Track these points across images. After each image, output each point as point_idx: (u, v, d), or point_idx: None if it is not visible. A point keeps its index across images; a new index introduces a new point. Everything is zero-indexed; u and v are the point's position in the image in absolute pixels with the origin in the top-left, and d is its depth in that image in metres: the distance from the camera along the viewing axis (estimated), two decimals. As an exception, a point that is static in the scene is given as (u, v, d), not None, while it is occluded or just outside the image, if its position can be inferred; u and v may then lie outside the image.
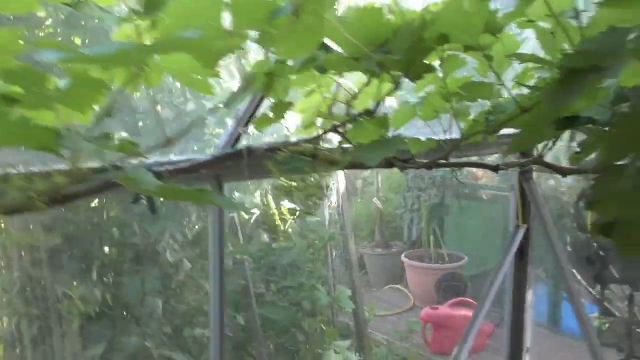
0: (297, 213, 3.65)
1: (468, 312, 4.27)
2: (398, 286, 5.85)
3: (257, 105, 1.19)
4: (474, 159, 1.73)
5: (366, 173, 6.22)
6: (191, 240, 2.67)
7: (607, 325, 1.93)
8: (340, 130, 1.17)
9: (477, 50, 1.11)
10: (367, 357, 3.78)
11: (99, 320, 2.55)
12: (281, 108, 1.05)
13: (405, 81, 1.04)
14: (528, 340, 2.08)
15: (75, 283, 2.43)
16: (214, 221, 1.39)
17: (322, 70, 0.90)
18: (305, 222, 3.49)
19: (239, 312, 3.15)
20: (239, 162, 1.06)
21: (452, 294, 5.14)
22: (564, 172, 1.33)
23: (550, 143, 1.13)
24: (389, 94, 0.85)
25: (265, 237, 3.47)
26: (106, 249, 2.52)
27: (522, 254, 2.02)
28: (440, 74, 1.34)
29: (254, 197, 3.43)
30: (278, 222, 3.61)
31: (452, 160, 1.64)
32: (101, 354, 2.55)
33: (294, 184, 0.89)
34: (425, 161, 1.42)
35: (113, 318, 2.58)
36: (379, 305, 5.44)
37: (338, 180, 3.60)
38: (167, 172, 0.94)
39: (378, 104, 0.88)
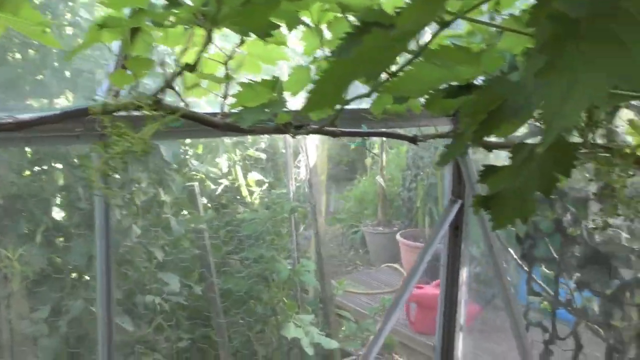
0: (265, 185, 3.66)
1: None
2: (395, 265, 5.86)
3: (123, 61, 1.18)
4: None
5: (375, 150, 6.13)
6: (141, 206, 2.69)
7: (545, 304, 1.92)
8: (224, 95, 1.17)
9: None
10: (333, 332, 3.80)
11: (44, 283, 2.58)
12: (140, 65, 1.04)
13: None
14: (462, 318, 2.08)
15: (18, 246, 2.46)
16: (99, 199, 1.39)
17: (155, 23, 0.89)
18: (271, 194, 3.50)
19: (197, 282, 3.18)
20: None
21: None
22: (488, 146, 1.31)
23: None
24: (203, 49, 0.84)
25: (231, 208, 3.48)
26: (52, 212, 2.54)
27: (456, 230, 2.01)
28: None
29: (219, 167, 3.44)
30: (245, 193, 3.62)
31: (365, 129, 1.62)
32: (46, 317, 2.59)
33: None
34: (315, 127, 1.41)
35: (59, 282, 2.61)
36: (371, 284, 5.46)
37: (307, 153, 3.59)
38: (9, 124, 0.94)
39: (198, 59, 0.86)
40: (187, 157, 2.97)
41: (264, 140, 3.64)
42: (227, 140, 3.54)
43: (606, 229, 1.07)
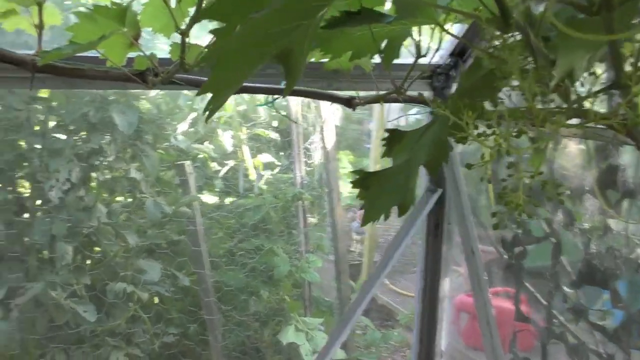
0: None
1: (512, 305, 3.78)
2: (459, 269, 5.36)
3: None
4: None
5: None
6: (108, 182, 2.45)
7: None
8: None
9: None
10: (349, 340, 3.44)
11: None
12: None
13: None
14: (442, 342, 1.67)
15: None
16: None
17: None
18: (275, 178, 3.18)
19: (185, 272, 2.93)
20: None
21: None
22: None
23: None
24: None
25: (233, 190, 3.20)
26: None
27: (436, 228, 1.60)
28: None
29: (222, 146, 3.15)
30: (251, 176, 3.32)
31: (279, 86, 1.26)
32: (1, 299, 2.42)
33: None
34: (184, 76, 1.07)
35: (18, 262, 2.43)
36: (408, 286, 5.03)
37: (323, 134, 3.23)
38: None
39: None
40: (167, 131, 2.69)
41: (275, 118, 3.32)
42: (235, 117, 3.25)
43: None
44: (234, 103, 3.28)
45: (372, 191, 0.76)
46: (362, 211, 0.74)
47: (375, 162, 4.30)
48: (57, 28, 1.11)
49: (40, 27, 0.94)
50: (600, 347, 1.14)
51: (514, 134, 0.54)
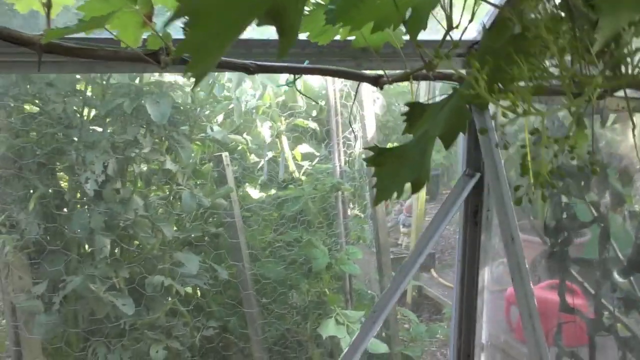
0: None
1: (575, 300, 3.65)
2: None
3: None
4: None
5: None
6: (144, 174, 2.45)
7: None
8: None
9: None
10: (393, 333, 3.37)
11: (40, 256, 2.45)
12: None
13: None
14: (484, 335, 1.59)
15: (10, 213, 2.34)
16: None
17: None
18: (315, 169, 3.13)
19: (225, 265, 2.92)
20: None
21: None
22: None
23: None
24: None
25: (272, 182, 3.17)
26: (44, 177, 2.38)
27: (475, 215, 1.52)
28: None
29: (262, 137, 3.12)
30: (292, 168, 3.29)
31: (304, 65, 1.21)
32: (43, 292, 2.46)
33: None
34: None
35: (59, 255, 2.46)
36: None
37: (363, 122, 3.17)
38: None
39: None
40: (203, 121, 2.68)
41: (315, 108, 3.27)
42: (274, 108, 3.22)
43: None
44: (273, 94, 3.25)
45: (386, 168, 0.70)
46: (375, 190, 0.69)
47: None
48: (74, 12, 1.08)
49: (48, 5, 0.92)
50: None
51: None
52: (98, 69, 1.20)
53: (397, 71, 1.21)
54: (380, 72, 1.21)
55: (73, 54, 0.97)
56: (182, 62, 1.05)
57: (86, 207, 2.45)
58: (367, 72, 1.23)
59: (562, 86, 0.50)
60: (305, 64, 1.19)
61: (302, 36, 1.12)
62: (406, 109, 0.82)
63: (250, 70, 1.09)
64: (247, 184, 3.06)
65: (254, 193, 3.09)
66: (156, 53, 1.01)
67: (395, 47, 1.24)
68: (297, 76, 1.14)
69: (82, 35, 0.97)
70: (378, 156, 0.72)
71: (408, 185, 0.68)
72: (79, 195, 2.46)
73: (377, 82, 1.18)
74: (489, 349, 1.57)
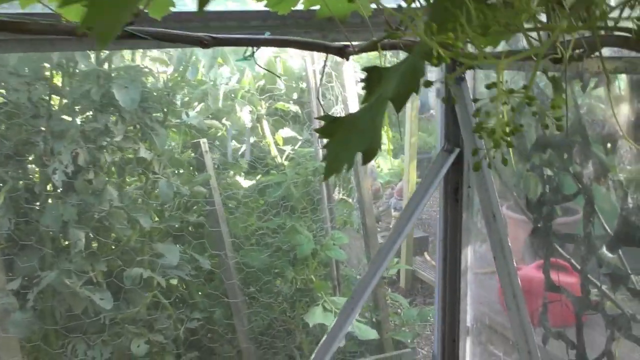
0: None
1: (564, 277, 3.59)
2: None
3: None
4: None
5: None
6: (118, 163, 2.38)
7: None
8: None
9: None
10: (384, 319, 3.32)
11: (12, 251, 2.37)
12: None
13: None
14: (468, 318, 1.54)
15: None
16: None
17: None
18: (296, 152, 3.06)
19: (207, 255, 2.85)
20: None
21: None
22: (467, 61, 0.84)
23: None
24: None
25: (253, 168, 3.10)
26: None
27: (455, 192, 1.46)
28: None
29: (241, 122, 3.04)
30: (275, 153, 3.22)
31: (264, 37, 1.14)
32: (17, 289, 2.39)
33: None
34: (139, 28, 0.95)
35: (32, 250, 2.39)
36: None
37: (346, 103, 3.09)
38: None
39: None
40: (177, 107, 2.59)
41: (296, 90, 3.19)
42: (252, 92, 3.13)
43: None
44: (252, 77, 3.17)
45: (337, 139, 0.63)
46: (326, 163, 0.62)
47: (411, 134, 4.14)
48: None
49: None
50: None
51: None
52: (42, 47, 1.13)
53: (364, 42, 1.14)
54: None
55: (7, 29, 0.90)
56: (130, 36, 0.98)
57: (58, 199, 2.38)
58: (333, 44, 1.16)
59: (520, 29, 0.43)
60: (266, 35, 1.12)
61: (262, 6, 1.05)
62: (364, 75, 0.75)
63: (205, 44, 1.02)
64: (226, 170, 2.99)
65: (233, 179, 3.02)
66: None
67: (363, 16, 1.17)
68: (255, 49, 1.07)
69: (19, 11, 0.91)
70: (329, 126, 0.65)
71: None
72: (50, 187, 2.38)
73: (342, 52, 1.11)
74: (475, 332, 1.51)
